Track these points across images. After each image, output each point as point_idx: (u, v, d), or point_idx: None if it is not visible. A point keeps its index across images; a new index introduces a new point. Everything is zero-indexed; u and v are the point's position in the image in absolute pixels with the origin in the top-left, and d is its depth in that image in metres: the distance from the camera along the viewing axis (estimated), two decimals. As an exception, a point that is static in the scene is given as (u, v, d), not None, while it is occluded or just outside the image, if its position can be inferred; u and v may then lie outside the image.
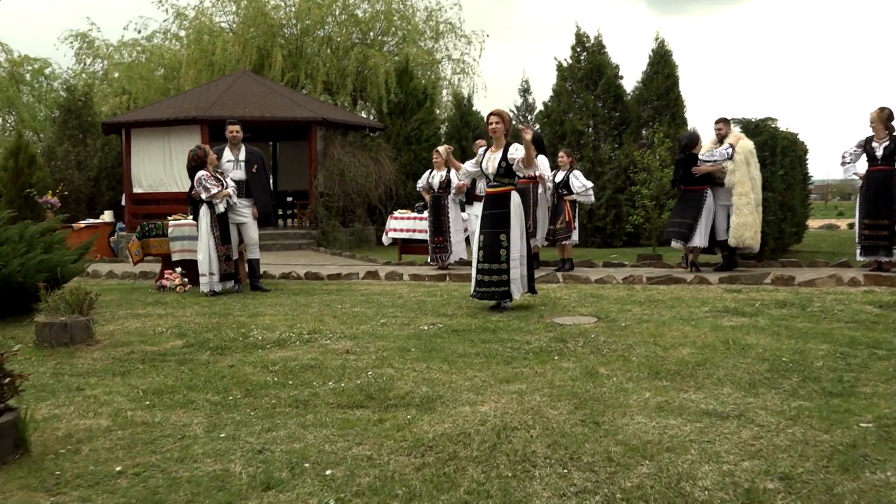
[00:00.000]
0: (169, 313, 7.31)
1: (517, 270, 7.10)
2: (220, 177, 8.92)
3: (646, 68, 18.43)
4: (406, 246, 13.07)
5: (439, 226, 11.40)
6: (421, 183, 11.64)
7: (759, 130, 10.68)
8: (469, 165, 7.26)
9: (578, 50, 18.84)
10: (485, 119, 7.26)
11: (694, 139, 10.08)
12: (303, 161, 19.59)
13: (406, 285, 9.43)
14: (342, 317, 6.83)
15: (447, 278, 9.92)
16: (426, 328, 6.14)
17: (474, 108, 21.27)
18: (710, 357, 4.84)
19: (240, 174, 9.25)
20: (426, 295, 8.34)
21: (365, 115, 23.10)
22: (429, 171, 11.61)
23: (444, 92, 24.38)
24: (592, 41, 18.73)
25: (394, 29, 23.52)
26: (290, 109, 17.72)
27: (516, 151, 7.12)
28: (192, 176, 8.89)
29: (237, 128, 9.34)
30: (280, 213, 21.15)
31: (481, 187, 8.91)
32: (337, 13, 22.98)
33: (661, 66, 18.16)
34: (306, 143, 18.26)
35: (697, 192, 9.81)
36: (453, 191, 11.35)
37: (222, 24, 22.85)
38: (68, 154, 20.29)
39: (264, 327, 6.28)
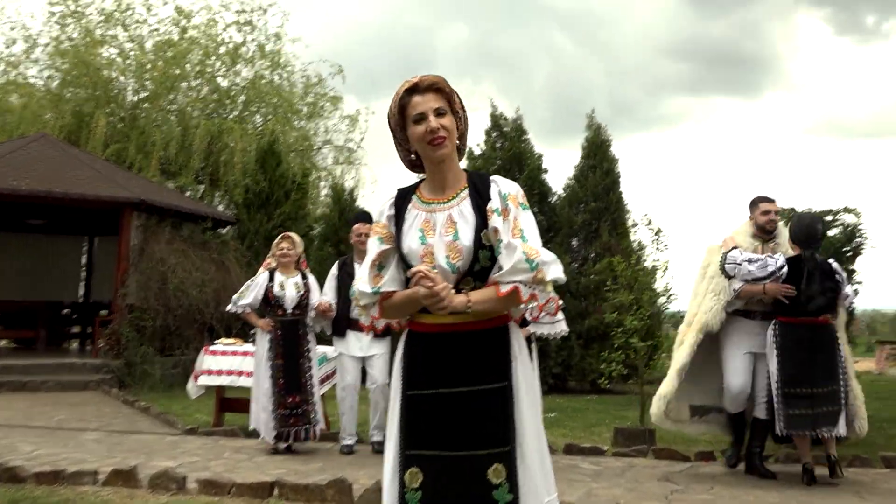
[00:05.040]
0: None
1: None
2: None
3: (579, 161, 14.44)
4: (229, 400, 7.94)
5: (295, 375, 6.40)
6: (247, 299, 6.61)
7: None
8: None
9: (494, 135, 14.73)
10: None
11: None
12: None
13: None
14: None
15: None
16: None
17: (358, 204, 16.67)
18: None
19: None
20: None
21: (222, 208, 18.10)
22: (264, 273, 6.65)
23: (322, 184, 19.73)
24: (511, 124, 14.69)
25: (263, 104, 18.93)
26: (93, 186, 12.53)
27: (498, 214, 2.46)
28: None
29: None
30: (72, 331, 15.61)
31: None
32: (192, 80, 18.26)
33: (599, 158, 14.20)
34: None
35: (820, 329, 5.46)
36: (312, 313, 6.51)
37: (34, 80, 17.62)
38: None
39: None
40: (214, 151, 16.99)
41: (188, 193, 17.59)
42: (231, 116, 18.56)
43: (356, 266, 6.40)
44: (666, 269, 6.73)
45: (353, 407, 6.59)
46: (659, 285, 6.84)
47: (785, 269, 5.28)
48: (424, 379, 2.44)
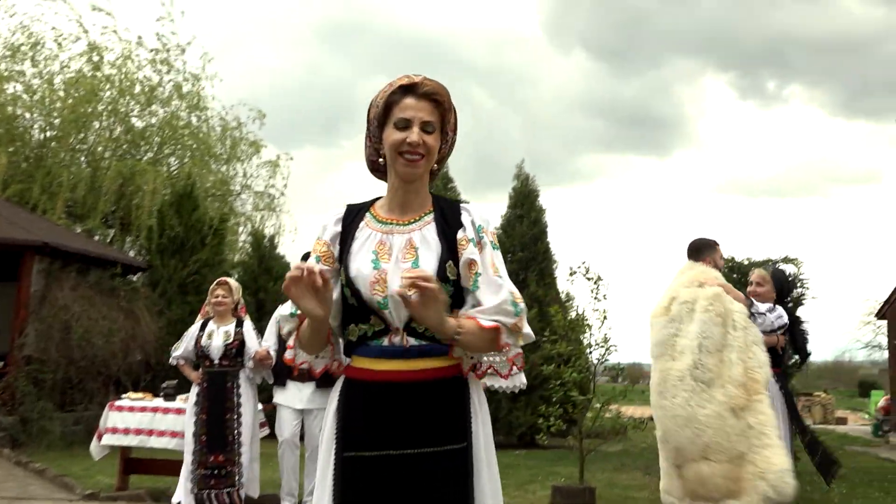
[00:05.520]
0: None
1: None
2: None
3: (506, 211, 14.37)
4: (134, 461, 7.27)
5: (219, 431, 5.85)
6: (178, 351, 6.13)
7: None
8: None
9: (420, 183, 14.55)
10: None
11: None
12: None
13: None
14: None
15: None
16: None
17: (278, 252, 16.12)
18: None
19: None
20: None
21: (133, 253, 17.21)
22: (198, 322, 6.17)
23: (241, 230, 19.08)
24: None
25: (179, 146, 18.29)
26: (-8, 227, 11.68)
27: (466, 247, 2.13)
28: None
29: None
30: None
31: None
32: (104, 120, 17.50)
33: (527, 208, 14.17)
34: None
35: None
36: (249, 363, 6.00)
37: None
38: None
39: None
40: (126, 194, 16.21)
41: (97, 237, 16.70)
42: (145, 158, 17.83)
43: None
44: (605, 318, 6.52)
45: (293, 465, 6.14)
46: (598, 335, 6.61)
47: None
48: (367, 438, 2.07)
